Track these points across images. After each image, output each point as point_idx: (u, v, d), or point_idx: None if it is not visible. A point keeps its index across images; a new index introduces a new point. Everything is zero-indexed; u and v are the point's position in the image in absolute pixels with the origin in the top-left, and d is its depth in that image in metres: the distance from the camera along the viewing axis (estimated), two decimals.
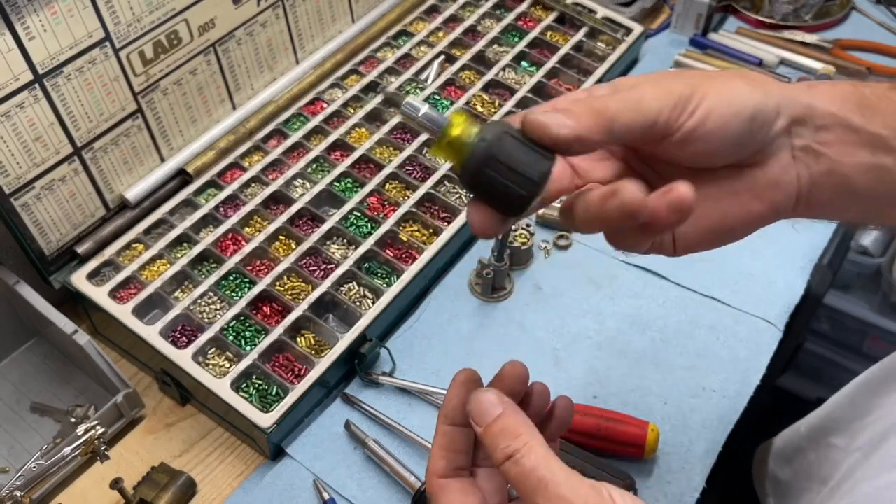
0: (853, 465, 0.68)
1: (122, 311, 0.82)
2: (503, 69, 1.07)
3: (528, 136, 0.43)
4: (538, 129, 0.42)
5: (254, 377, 0.79)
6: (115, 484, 0.71)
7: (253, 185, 0.95)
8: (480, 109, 1.02)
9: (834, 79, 1.11)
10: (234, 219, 0.90)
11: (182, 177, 0.94)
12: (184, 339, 0.81)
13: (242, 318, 0.82)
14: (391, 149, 0.98)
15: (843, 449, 0.72)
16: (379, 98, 1.03)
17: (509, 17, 1.14)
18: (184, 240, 0.89)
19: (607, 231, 0.46)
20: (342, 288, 0.85)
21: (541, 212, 0.94)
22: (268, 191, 0.93)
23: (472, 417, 0.46)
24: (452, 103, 1.02)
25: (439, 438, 0.49)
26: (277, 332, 0.80)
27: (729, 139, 0.45)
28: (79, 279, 0.84)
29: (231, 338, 0.81)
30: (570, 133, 0.42)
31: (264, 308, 0.83)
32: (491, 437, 0.45)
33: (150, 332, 0.80)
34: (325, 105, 1.03)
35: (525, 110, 0.43)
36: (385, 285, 0.85)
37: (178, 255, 0.87)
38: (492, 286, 0.88)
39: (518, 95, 1.03)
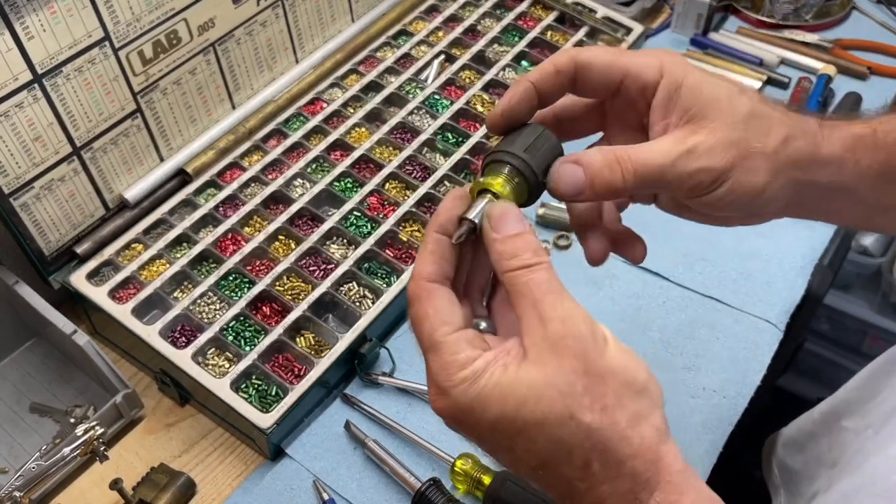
0: (863, 443, 0.68)
1: (122, 312, 0.81)
2: (503, 69, 1.07)
3: None
4: (558, 193, 0.49)
5: (253, 377, 0.79)
6: (115, 484, 0.71)
7: (252, 184, 0.95)
8: (480, 109, 1.02)
9: (836, 79, 1.11)
10: (234, 219, 0.90)
11: (181, 177, 0.94)
12: (183, 339, 0.81)
13: (242, 318, 0.82)
14: (391, 149, 0.98)
15: (853, 430, 0.72)
16: (379, 98, 1.03)
17: (509, 17, 1.14)
18: (183, 240, 0.89)
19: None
20: (342, 288, 0.85)
21: (541, 211, 0.94)
22: (267, 191, 0.93)
23: (492, 222, 0.45)
24: (452, 103, 1.02)
25: (430, 245, 0.47)
26: (277, 332, 0.80)
27: (731, 210, 0.51)
28: (78, 279, 0.84)
29: (231, 338, 0.81)
30: (580, 198, 0.50)
31: (264, 308, 0.83)
32: (510, 246, 0.44)
33: (150, 333, 0.80)
34: (324, 105, 1.03)
35: (561, 159, 0.50)
36: (385, 285, 0.85)
37: (178, 255, 0.87)
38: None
39: None
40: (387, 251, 0.88)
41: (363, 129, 1.00)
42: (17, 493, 0.71)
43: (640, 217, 0.96)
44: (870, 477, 0.60)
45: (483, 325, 0.48)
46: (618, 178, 0.48)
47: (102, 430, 0.73)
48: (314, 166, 0.96)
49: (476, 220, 0.46)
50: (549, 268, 0.44)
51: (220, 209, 0.92)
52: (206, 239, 0.88)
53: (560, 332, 0.42)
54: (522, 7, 1.15)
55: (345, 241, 0.89)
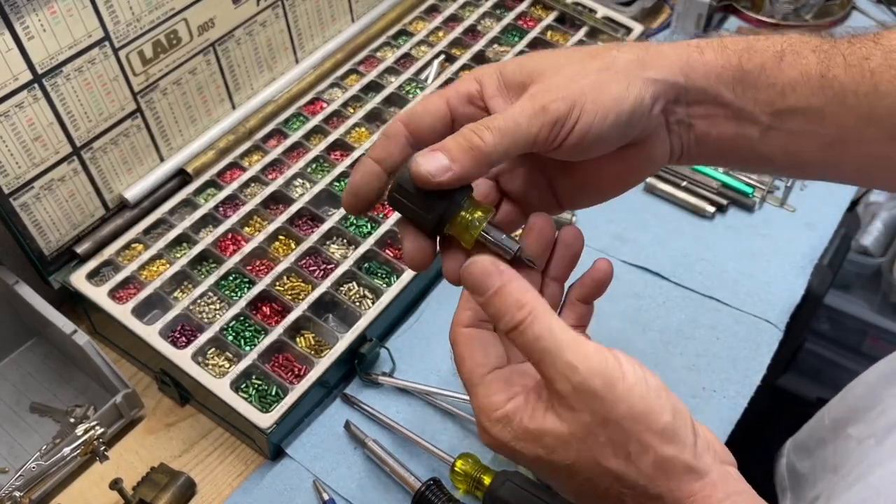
0: (866, 453, 0.68)
1: (122, 311, 0.81)
2: None
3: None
4: (423, 180, 0.46)
5: (253, 377, 0.79)
6: (115, 484, 0.71)
7: (252, 184, 0.95)
8: None
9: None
10: (234, 219, 0.90)
11: (181, 177, 0.94)
12: (183, 339, 0.81)
13: (242, 318, 0.82)
14: None
15: (857, 438, 0.72)
16: (379, 98, 1.03)
17: (509, 17, 1.14)
18: (183, 240, 0.89)
19: None
20: (342, 288, 0.85)
21: None
22: (267, 191, 0.93)
23: (471, 289, 0.46)
24: None
25: (466, 293, 0.49)
26: (277, 332, 0.80)
27: (608, 142, 0.49)
28: (78, 279, 0.84)
29: (231, 338, 0.81)
30: (452, 177, 0.46)
31: (264, 308, 0.83)
32: (493, 308, 0.44)
33: (150, 332, 0.80)
34: (324, 105, 1.03)
35: (415, 154, 0.47)
36: (385, 285, 0.85)
37: (178, 255, 0.87)
38: None
39: None
40: (387, 251, 0.88)
41: (363, 129, 1.00)
42: (17, 493, 0.71)
43: (640, 217, 0.96)
44: (875, 490, 0.60)
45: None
46: (479, 142, 0.46)
47: (102, 429, 0.73)
48: (314, 166, 0.96)
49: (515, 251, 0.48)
50: (540, 315, 0.43)
51: (220, 209, 0.92)
52: (207, 239, 0.88)
53: (572, 386, 0.42)
54: (522, 7, 1.15)
55: (345, 240, 0.90)
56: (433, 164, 0.46)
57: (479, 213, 0.48)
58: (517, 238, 0.50)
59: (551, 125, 0.46)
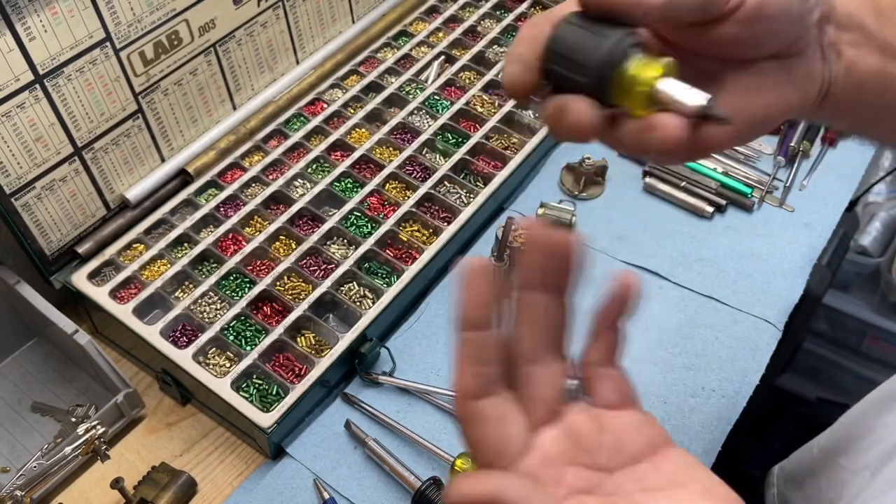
0: (861, 485, 0.68)
1: (123, 311, 0.82)
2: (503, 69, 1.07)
3: (589, 16, 0.40)
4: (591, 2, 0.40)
5: (254, 377, 0.79)
6: (116, 483, 0.71)
7: (253, 185, 0.95)
8: (480, 110, 1.03)
9: None
10: (235, 219, 0.90)
11: (182, 177, 0.94)
12: (184, 338, 0.81)
13: (243, 317, 0.82)
14: (391, 149, 0.98)
15: (850, 469, 0.72)
16: (379, 98, 1.03)
17: (509, 18, 1.14)
18: (184, 240, 0.89)
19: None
20: (342, 288, 0.85)
21: (540, 211, 0.94)
22: (268, 191, 0.93)
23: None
24: (452, 104, 1.02)
25: (465, 350, 0.38)
26: (278, 331, 0.81)
27: (784, 20, 0.43)
28: (79, 279, 0.84)
29: (231, 337, 0.81)
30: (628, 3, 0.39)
31: (264, 308, 0.84)
32: None
33: (151, 332, 0.80)
34: (325, 105, 1.03)
35: None
36: (385, 285, 0.85)
37: (179, 255, 0.87)
38: None
39: None
40: (387, 251, 0.89)
41: (363, 130, 1.00)
42: (18, 493, 0.72)
43: (640, 217, 0.96)
44: None
45: (574, 385, 0.39)
46: None
47: (104, 429, 0.73)
48: (314, 166, 0.96)
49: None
50: None
51: (221, 209, 0.92)
52: (207, 239, 0.88)
53: None
54: (522, 8, 1.15)
55: (345, 241, 0.90)
56: None
57: (657, 62, 0.39)
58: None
59: None
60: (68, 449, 0.73)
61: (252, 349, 0.79)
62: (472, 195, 0.93)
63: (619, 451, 0.39)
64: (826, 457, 0.77)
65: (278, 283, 0.85)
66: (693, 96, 0.38)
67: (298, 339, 0.82)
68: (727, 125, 0.40)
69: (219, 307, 0.84)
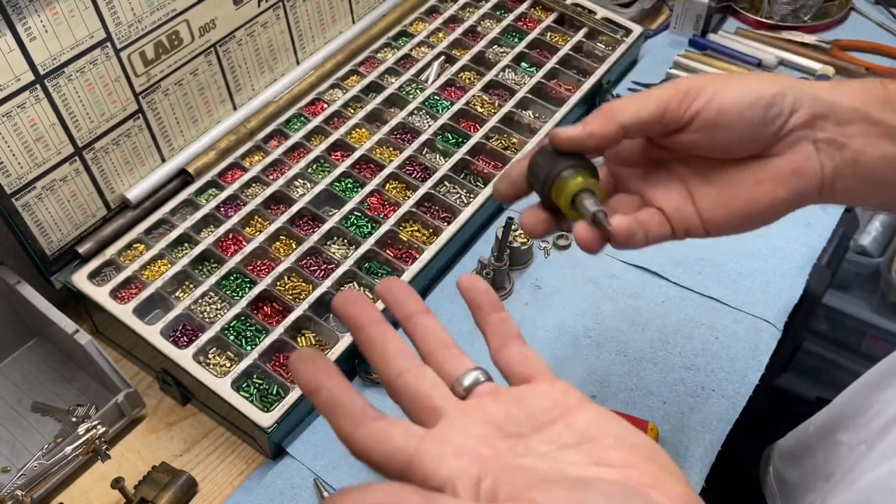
0: (857, 458, 0.68)
1: (123, 311, 0.82)
2: (503, 70, 1.07)
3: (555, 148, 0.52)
4: (555, 138, 0.51)
5: (254, 377, 0.79)
6: (116, 483, 0.71)
7: (253, 185, 0.95)
8: (480, 110, 1.03)
9: (833, 79, 1.11)
10: (235, 219, 0.90)
11: (183, 177, 0.94)
12: (185, 338, 0.81)
13: (243, 317, 0.82)
14: (391, 149, 0.98)
15: (847, 444, 0.72)
16: (379, 98, 1.03)
17: (509, 18, 1.14)
18: (185, 240, 0.89)
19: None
20: (342, 288, 0.85)
21: None
22: (268, 191, 0.93)
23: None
24: (452, 104, 1.03)
25: (333, 410, 0.42)
26: (278, 331, 0.81)
27: (744, 126, 0.49)
28: (80, 279, 0.84)
29: (232, 337, 0.81)
30: (580, 132, 0.50)
31: (265, 308, 0.84)
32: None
33: (151, 332, 0.80)
34: (325, 105, 1.03)
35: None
36: None
37: (179, 255, 0.87)
38: (492, 286, 0.88)
39: (518, 96, 1.04)
40: (387, 251, 0.89)
41: (364, 130, 1.00)
42: (19, 492, 0.72)
43: None
44: (864, 495, 0.61)
45: (468, 379, 0.43)
46: (609, 106, 0.50)
47: (104, 429, 0.73)
48: (315, 167, 0.96)
49: None
50: None
51: (222, 209, 0.92)
52: (208, 239, 0.88)
53: None
54: (522, 8, 1.16)
55: (345, 241, 0.90)
56: (570, 129, 0.51)
57: (579, 179, 0.50)
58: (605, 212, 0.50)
59: (683, 93, 0.49)
60: (68, 449, 0.73)
61: (252, 349, 0.79)
62: (472, 195, 0.93)
63: (531, 417, 0.41)
64: (823, 433, 0.78)
65: (278, 283, 0.85)
66: (591, 207, 0.49)
67: (299, 339, 0.82)
68: (608, 233, 0.50)
69: (219, 307, 0.84)
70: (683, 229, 0.53)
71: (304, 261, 0.87)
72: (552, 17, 1.15)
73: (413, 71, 1.07)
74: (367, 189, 0.93)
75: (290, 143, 0.98)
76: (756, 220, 0.52)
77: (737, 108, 0.48)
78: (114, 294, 0.83)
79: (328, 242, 0.90)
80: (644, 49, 1.18)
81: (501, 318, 0.47)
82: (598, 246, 0.51)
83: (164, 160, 0.93)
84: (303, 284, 0.85)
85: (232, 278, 0.86)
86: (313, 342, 0.82)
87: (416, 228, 0.91)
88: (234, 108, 1.00)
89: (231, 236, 0.89)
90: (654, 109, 0.49)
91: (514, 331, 0.46)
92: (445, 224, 0.91)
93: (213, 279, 0.85)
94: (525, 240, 0.90)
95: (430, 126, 1.00)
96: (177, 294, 0.85)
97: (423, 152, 0.98)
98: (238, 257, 0.86)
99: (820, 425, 0.80)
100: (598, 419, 0.41)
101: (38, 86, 0.77)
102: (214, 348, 0.81)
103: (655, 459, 0.39)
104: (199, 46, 0.91)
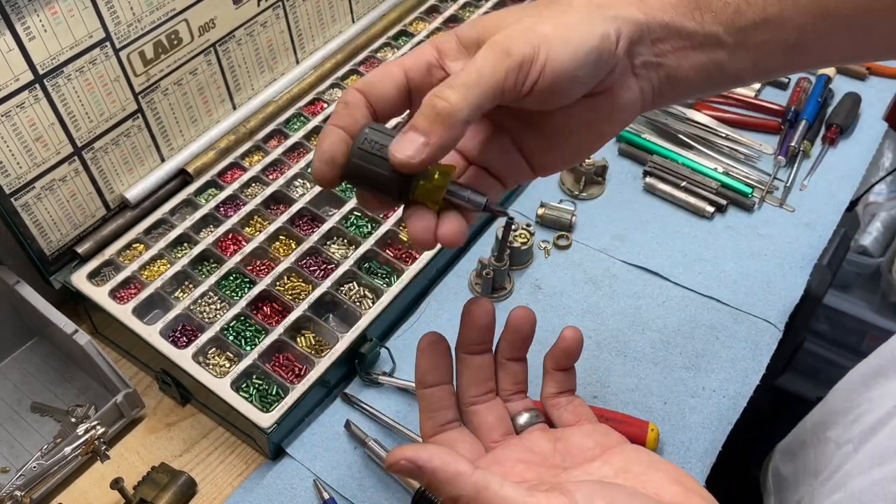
0: (843, 458, 0.68)
1: (123, 311, 0.82)
2: None
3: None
4: (403, 165, 0.44)
5: (254, 377, 0.79)
6: (116, 484, 0.71)
7: (253, 185, 0.95)
8: None
9: (833, 78, 1.11)
10: (235, 219, 0.90)
11: (182, 177, 0.94)
12: (184, 338, 0.81)
13: (242, 317, 0.82)
14: None
15: (835, 442, 0.73)
16: None
17: None
18: (184, 240, 0.89)
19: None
20: (342, 288, 0.85)
21: (540, 211, 0.94)
22: (268, 191, 0.93)
23: (406, 475, 0.45)
24: None
25: (421, 402, 0.52)
26: (277, 331, 0.80)
27: (577, 84, 0.47)
28: (79, 279, 0.84)
29: (231, 338, 0.81)
30: (431, 150, 0.44)
31: (264, 308, 0.84)
32: (433, 488, 0.43)
33: (151, 332, 0.80)
34: (325, 105, 1.03)
35: (390, 145, 0.45)
36: (385, 285, 0.85)
37: (179, 255, 0.87)
38: (492, 286, 0.88)
39: None
40: (387, 251, 0.88)
41: None
42: (18, 493, 0.72)
43: (640, 216, 0.96)
44: (857, 500, 0.61)
45: (526, 417, 0.53)
46: (445, 105, 0.44)
47: (103, 429, 0.73)
48: None
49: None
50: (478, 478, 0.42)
51: (221, 209, 0.92)
52: (207, 239, 0.88)
53: None
54: None
55: (345, 240, 0.90)
56: (409, 146, 0.44)
57: (438, 175, 0.47)
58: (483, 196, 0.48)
59: (517, 68, 0.44)
60: (68, 449, 0.73)
61: (252, 349, 0.79)
62: None
63: (572, 453, 0.47)
64: (816, 430, 0.78)
65: (278, 283, 0.85)
66: (475, 198, 0.48)
67: (298, 340, 0.82)
68: (505, 215, 0.51)
69: (219, 307, 0.84)
70: (513, 180, 0.53)
71: (304, 261, 0.87)
72: None
73: None
74: None
75: (289, 142, 0.98)
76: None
77: (570, 70, 0.46)
78: (113, 294, 0.83)
79: (328, 242, 0.90)
80: None
81: (572, 371, 0.55)
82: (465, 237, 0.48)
83: (163, 160, 0.93)
84: (302, 284, 0.85)
85: (231, 278, 0.86)
86: (313, 342, 0.81)
87: None
88: (234, 108, 0.99)
89: (231, 236, 0.89)
90: (492, 96, 0.44)
91: (574, 383, 0.54)
92: None
93: (212, 279, 0.85)
94: (525, 239, 0.90)
95: None
96: (176, 294, 0.85)
97: None
98: (238, 257, 0.86)
99: (814, 422, 0.81)
100: (633, 454, 0.46)
101: (37, 85, 0.76)
102: (214, 348, 0.81)
103: (683, 482, 0.44)
104: (199, 46, 0.91)
